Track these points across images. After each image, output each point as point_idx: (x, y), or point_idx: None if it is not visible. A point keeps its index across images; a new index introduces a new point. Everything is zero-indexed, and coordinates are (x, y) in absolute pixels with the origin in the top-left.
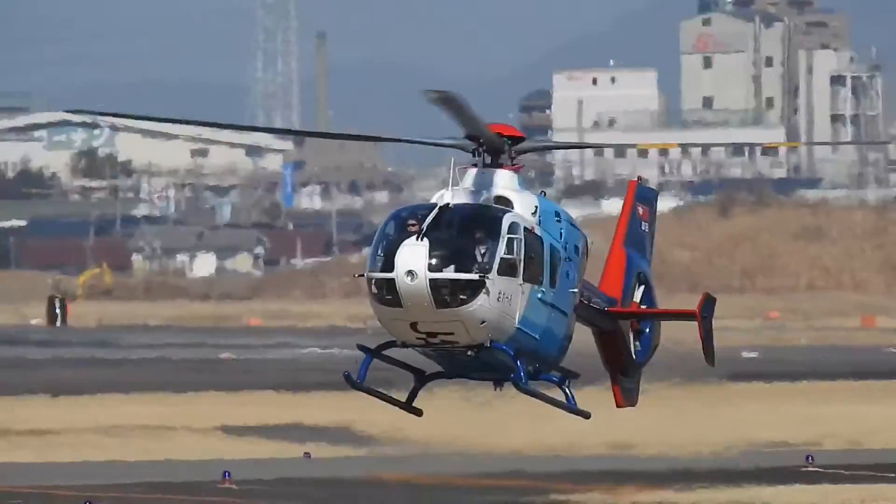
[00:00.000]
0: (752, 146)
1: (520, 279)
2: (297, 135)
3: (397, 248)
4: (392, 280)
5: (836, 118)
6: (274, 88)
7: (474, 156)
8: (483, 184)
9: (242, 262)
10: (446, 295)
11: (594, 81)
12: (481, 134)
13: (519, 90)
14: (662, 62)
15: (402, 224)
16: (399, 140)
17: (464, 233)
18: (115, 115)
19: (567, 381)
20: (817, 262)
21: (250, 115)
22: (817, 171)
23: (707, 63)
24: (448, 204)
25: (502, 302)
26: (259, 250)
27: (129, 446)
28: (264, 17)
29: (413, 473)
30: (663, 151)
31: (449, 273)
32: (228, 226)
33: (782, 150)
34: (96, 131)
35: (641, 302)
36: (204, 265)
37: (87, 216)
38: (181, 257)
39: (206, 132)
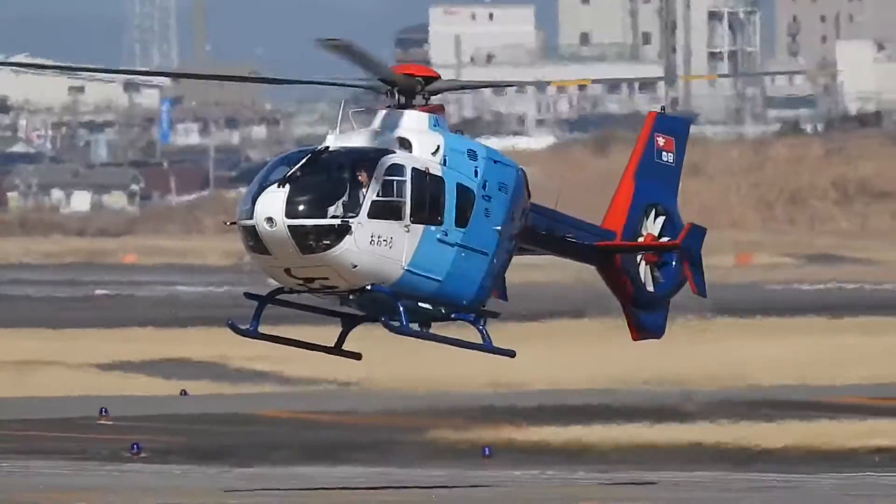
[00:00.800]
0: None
1: (405, 221)
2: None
3: (260, 194)
4: (253, 227)
5: (713, 55)
6: (150, 23)
7: (387, 97)
8: (385, 125)
9: (118, 199)
10: (309, 241)
11: (472, 17)
12: (387, 77)
13: (394, 23)
14: None
15: (275, 169)
16: (310, 82)
17: (330, 178)
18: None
19: (482, 321)
20: (695, 199)
21: (128, 50)
22: (695, 108)
23: None
24: (325, 148)
25: (378, 245)
26: (134, 187)
27: (4, 382)
28: None
29: (289, 410)
30: (540, 88)
31: (309, 219)
32: (104, 164)
33: (660, 86)
34: None
35: (661, 233)
36: (80, 202)
37: None
38: (57, 194)
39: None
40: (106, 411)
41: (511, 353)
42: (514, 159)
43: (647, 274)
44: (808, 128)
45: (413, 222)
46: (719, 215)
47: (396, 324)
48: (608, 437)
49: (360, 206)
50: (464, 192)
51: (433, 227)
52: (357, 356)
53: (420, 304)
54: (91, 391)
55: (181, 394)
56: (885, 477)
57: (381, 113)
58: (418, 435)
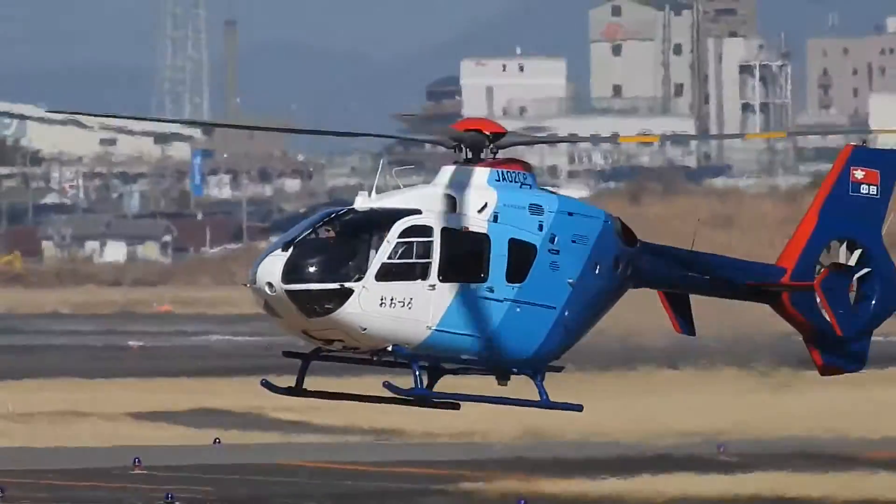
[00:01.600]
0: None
1: (431, 281)
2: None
3: (265, 258)
4: (258, 291)
5: (745, 107)
6: (182, 76)
7: (455, 152)
8: (441, 182)
9: (151, 250)
10: (310, 305)
11: (503, 68)
12: (453, 135)
13: (426, 76)
14: (571, 50)
15: (292, 231)
16: (379, 136)
17: (340, 240)
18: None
19: (540, 376)
20: (727, 250)
21: (158, 102)
22: (726, 159)
23: (616, 51)
24: (346, 209)
25: (392, 307)
26: (167, 238)
27: (39, 433)
28: (174, 5)
29: (324, 460)
30: (612, 141)
31: (307, 284)
32: (137, 216)
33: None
34: (5, 121)
35: (858, 265)
36: (114, 253)
37: None
38: (91, 245)
39: (115, 121)
40: (139, 461)
41: (578, 408)
42: None
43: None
44: None
45: (443, 281)
46: None
47: (404, 387)
48: (644, 489)
49: (367, 268)
50: (520, 248)
51: (474, 285)
52: (456, 406)
53: (465, 359)
54: (125, 441)
55: (214, 443)
56: None
57: (444, 169)
58: (451, 485)
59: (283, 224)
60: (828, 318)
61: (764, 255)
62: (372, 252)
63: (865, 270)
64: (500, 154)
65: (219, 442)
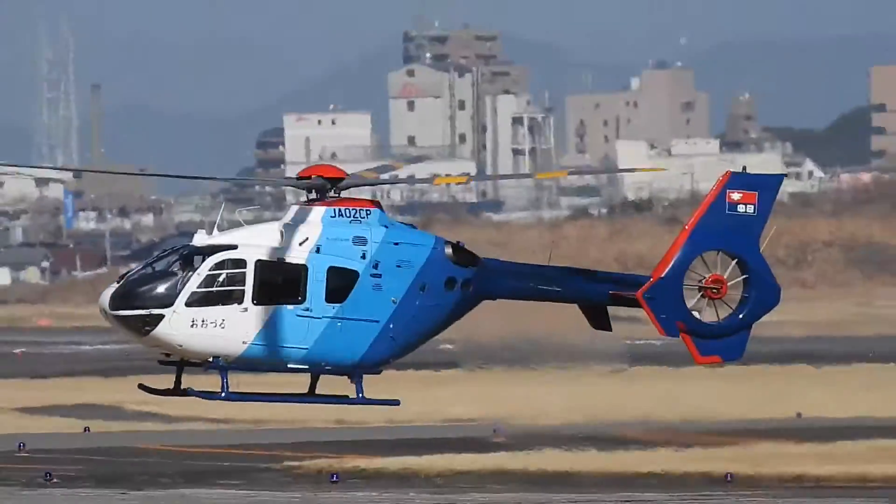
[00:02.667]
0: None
1: (245, 304)
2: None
3: (106, 289)
4: (101, 314)
5: (517, 152)
6: (57, 130)
7: (307, 193)
8: (287, 220)
9: (32, 275)
10: (132, 326)
11: (319, 122)
12: (301, 180)
13: (255, 128)
14: (374, 105)
15: (137, 266)
16: (244, 180)
17: (159, 274)
18: None
19: (359, 378)
20: None
21: (37, 152)
22: (501, 196)
23: (411, 107)
24: (177, 246)
25: (204, 328)
26: (45, 264)
27: None
28: (48, 70)
29: (174, 444)
30: (429, 181)
31: (126, 310)
32: (20, 245)
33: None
34: None
35: (735, 275)
36: (0, 277)
37: None
38: None
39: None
40: (23, 446)
41: (395, 403)
42: None
43: (710, 306)
44: (595, 212)
45: (256, 304)
46: None
47: (211, 392)
48: (436, 465)
49: (178, 297)
50: (340, 274)
51: (290, 306)
52: (396, 402)
53: (292, 367)
54: (11, 430)
55: (84, 431)
56: None
57: (290, 208)
58: (275, 463)
59: (140, 252)
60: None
61: None
62: (183, 282)
63: (744, 277)
64: (345, 194)
65: (88, 430)
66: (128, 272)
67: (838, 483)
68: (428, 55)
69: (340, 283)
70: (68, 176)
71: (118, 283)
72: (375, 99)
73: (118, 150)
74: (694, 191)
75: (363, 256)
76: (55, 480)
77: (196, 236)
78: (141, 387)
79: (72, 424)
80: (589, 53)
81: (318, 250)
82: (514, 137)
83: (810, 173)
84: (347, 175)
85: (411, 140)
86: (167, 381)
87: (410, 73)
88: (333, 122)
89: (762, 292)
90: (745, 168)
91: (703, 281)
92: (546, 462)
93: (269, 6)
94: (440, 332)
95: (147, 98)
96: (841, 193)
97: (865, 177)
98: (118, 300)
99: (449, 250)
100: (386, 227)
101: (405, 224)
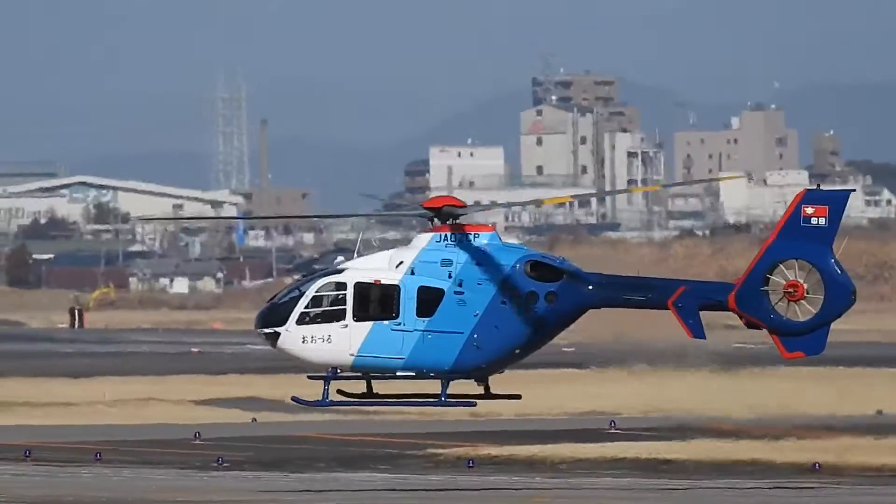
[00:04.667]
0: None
1: (346, 321)
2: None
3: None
4: None
5: (631, 181)
6: (230, 158)
7: (430, 222)
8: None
9: (208, 284)
10: (268, 341)
11: (459, 154)
12: (422, 210)
13: (404, 158)
14: (507, 140)
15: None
16: (370, 215)
17: (287, 296)
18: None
19: (446, 382)
20: None
21: (215, 178)
22: (618, 219)
23: (539, 142)
24: (309, 273)
25: (314, 343)
26: (219, 275)
27: (126, 414)
28: (223, 107)
29: (328, 432)
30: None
31: (262, 328)
32: (198, 259)
33: (593, 203)
34: (104, 191)
35: (819, 277)
36: (180, 286)
37: (98, 251)
38: (164, 280)
39: (182, 191)
40: (199, 434)
41: (471, 404)
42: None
43: (792, 307)
44: (700, 233)
45: (357, 321)
46: None
47: (310, 400)
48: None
49: (290, 317)
50: (428, 292)
51: (386, 322)
52: (518, 396)
53: (400, 374)
54: (188, 420)
55: (252, 421)
56: None
57: (417, 236)
58: (419, 450)
59: (301, 265)
60: (772, 315)
61: None
62: (291, 305)
63: (820, 280)
64: (462, 220)
65: (255, 420)
66: (275, 294)
67: None
68: (554, 97)
69: (429, 300)
70: (239, 199)
71: (266, 303)
72: (508, 134)
73: (283, 177)
74: None
75: (449, 276)
76: (226, 464)
77: (335, 262)
78: (294, 399)
79: (241, 415)
80: (693, 94)
81: (412, 272)
82: (629, 169)
83: (888, 201)
84: (465, 204)
85: (539, 170)
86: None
87: (539, 113)
88: (472, 155)
89: (836, 293)
90: (818, 185)
91: (784, 286)
92: (656, 451)
93: (416, 53)
94: (541, 341)
95: (307, 131)
96: None
97: None
98: (260, 319)
99: (527, 267)
100: (478, 248)
101: (517, 245)
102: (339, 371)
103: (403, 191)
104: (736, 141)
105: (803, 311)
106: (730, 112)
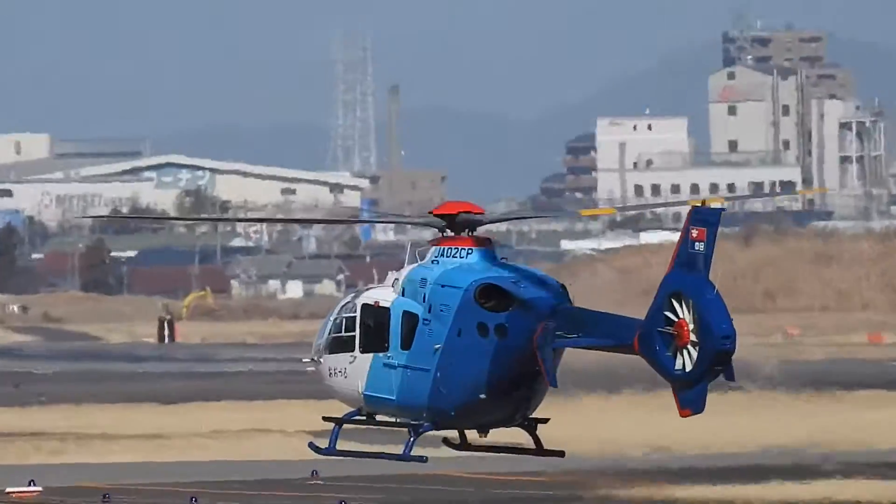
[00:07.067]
0: (773, 185)
1: (355, 352)
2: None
3: None
4: None
5: (844, 159)
6: (352, 132)
7: (442, 232)
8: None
9: (327, 287)
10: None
11: (634, 127)
12: (433, 219)
13: (563, 132)
14: (692, 110)
15: None
16: (376, 221)
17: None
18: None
19: (418, 430)
20: (830, 285)
21: (331, 156)
22: (828, 205)
23: (732, 111)
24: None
25: (336, 376)
26: (340, 277)
27: (229, 447)
28: (344, 71)
29: (471, 471)
30: (694, 188)
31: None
32: (313, 256)
33: (798, 185)
34: (199, 173)
35: (690, 315)
36: (293, 290)
37: (192, 247)
38: (273, 283)
39: (293, 172)
40: (317, 473)
41: (421, 459)
42: (670, 252)
43: (681, 356)
44: None
45: (362, 352)
46: (852, 299)
47: (322, 447)
48: (754, 495)
49: (322, 344)
50: (409, 318)
51: (381, 354)
52: (561, 454)
53: (400, 420)
54: (304, 455)
55: (312, 474)
56: None
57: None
58: (590, 491)
59: None
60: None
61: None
62: (325, 329)
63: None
64: (479, 231)
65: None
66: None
67: None
68: (749, 57)
69: (409, 329)
70: (364, 182)
71: None
72: (694, 102)
73: (418, 154)
74: None
75: (424, 299)
76: None
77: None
78: (310, 445)
79: (367, 449)
80: None
81: (402, 293)
82: (841, 144)
83: None
84: (483, 212)
85: (732, 146)
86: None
87: (731, 76)
88: (650, 128)
89: (706, 338)
90: (704, 202)
91: (673, 327)
92: (880, 492)
93: (577, 1)
94: (518, 387)
95: (447, 99)
96: None
97: None
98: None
99: (478, 293)
100: (449, 265)
101: (505, 265)
102: (361, 412)
103: (564, 172)
104: None
105: (691, 359)
106: None
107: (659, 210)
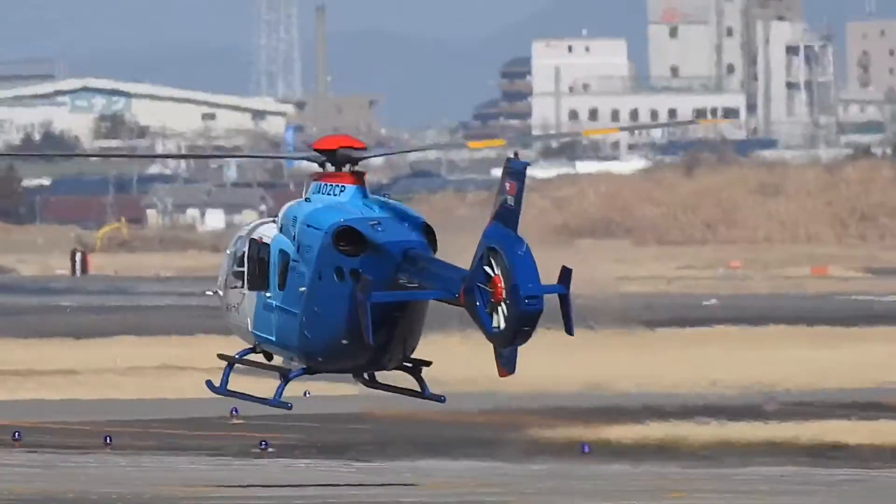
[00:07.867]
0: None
1: (244, 289)
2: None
3: None
4: None
5: (790, 85)
6: (276, 55)
7: (322, 167)
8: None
9: (249, 218)
10: None
11: (569, 49)
12: (314, 153)
13: (500, 55)
14: (631, 32)
15: None
16: (261, 156)
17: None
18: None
19: (287, 375)
20: (774, 217)
21: (254, 80)
22: (773, 133)
23: (673, 33)
24: None
25: (232, 311)
26: (263, 207)
27: (145, 385)
28: None
29: (401, 410)
30: (634, 114)
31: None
32: (235, 184)
33: (742, 113)
34: (115, 97)
35: (497, 271)
36: (213, 220)
37: (106, 175)
38: (192, 212)
39: (214, 97)
40: (236, 411)
41: (287, 406)
42: (608, 182)
43: (496, 314)
44: (878, 152)
45: (249, 289)
46: (797, 231)
47: (216, 385)
48: (695, 434)
49: (222, 277)
50: (283, 257)
51: (262, 292)
52: (441, 399)
53: (285, 361)
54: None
55: (304, 395)
56: None
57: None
58: (519, 433)
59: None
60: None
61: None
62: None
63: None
64: (360, 166)
65: (308, 394)
66: None
67: None
68: None
69: (284, 269)
70: (288, 108)
71: None
72: (633, 24)
73: (346, 79)
74: None
75: (294, 238)
76: (271, 450)
77: None
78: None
79: (289, 387)
80: None
81: (281, 229)
82: (788, 69)
83: None
84: (364, 146)
85: (674, 70)
86: None
87: None
88: (587, 49)
89: (510, 298)
90: (516, 154)
91: (489, 283)
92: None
93: None
94: (386, 336)
95: (377, 21)
96: None
97: None
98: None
99: (336, 235)
100: (317, 204)
101: (372, 201)
102: (256, 350)
103: (499, 97)
104: None
105: (504, 318)
106: None
107: (597, 137)
